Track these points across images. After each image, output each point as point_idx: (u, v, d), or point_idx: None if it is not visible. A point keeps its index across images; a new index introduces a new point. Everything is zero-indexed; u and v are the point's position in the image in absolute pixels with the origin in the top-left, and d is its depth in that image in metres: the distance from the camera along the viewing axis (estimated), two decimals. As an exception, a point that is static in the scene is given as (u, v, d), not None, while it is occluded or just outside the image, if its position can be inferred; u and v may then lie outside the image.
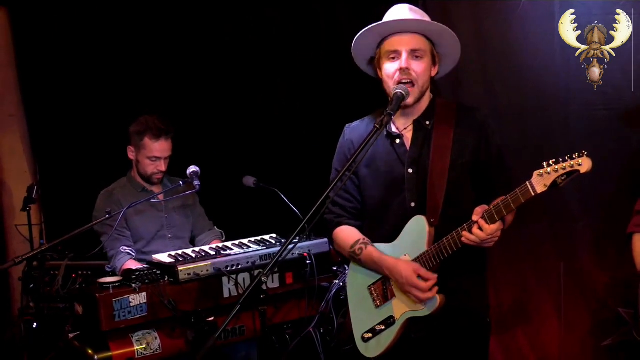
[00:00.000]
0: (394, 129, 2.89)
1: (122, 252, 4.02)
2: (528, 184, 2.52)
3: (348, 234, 3.00)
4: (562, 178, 2.47)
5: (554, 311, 4.27)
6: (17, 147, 5.59)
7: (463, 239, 2.67)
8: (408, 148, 2.89)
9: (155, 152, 4.12)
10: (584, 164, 2.44)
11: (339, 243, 3.03)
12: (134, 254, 4.04)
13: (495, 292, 4.24)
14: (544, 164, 2.49)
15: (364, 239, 2.96)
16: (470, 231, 2.65)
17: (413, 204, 2.84)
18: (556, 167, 2.47)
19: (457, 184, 2.82)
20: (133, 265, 3.90)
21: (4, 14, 5.47)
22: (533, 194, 2.51)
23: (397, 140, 2.90)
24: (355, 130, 3.04)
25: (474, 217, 2.65)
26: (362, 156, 2.71)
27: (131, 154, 4.19)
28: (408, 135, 2.90)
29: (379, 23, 2.83)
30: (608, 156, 3.94)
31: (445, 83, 4.22)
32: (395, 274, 2.81)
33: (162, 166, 4.16)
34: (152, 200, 4.16)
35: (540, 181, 2.50)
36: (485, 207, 2.65)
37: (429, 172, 2.81)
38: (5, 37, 5.48)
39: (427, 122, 2.89)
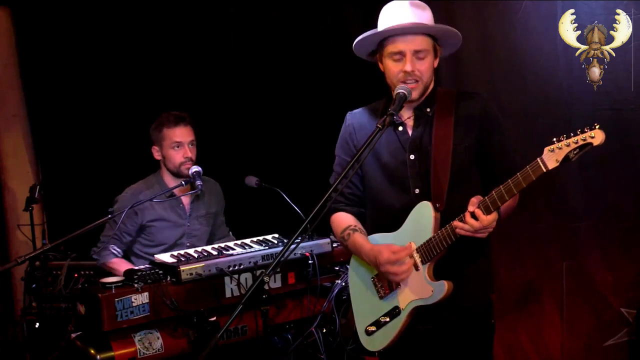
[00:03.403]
0: (395, 118, 2.89)
1: (109, 249, 4.03)
2: (539, 160, 2.48)
3: (342, 220, 3.01)
4: (575, 152, 2.43)
5: (556, 311, 4.28)
6: (19, 147, 5.61)
7: (457, 229, 2.67)
8: (410, 135, 2.90)
9: (175, 137, 4.06)
10: (597, 136, 2.41)
11: (334, 228, 3.06)
12: (119, 255, 4.05)
13: (498, 292, 4.24)
14: (555, 139, 2.45)
15: (354, 225, 2.96)
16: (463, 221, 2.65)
17: (417, 190, 2.84)
18: (568, 141, 2.43)
19: (461, 168, 2.81)
20: (120, 263, 3.97)
21: (6, 14, 5.49)
22: (544, 170, 2.47)
23: (400, 128, 2.91)
24: (357, 116, 3.05)
25: (470, 208, 2.65)
26: (364, 155, 2.71)
27: (157, 154, 4.13)
28: (410, 122, 2.91)
29: (383, 29, 2.82)
30: (611, 156, 3.95)
31: (448, 83, 4.23)
32: (371, 257, 2.83)
33: (188, 152, 4.10)
34: (177, 207, 4.16)
35: (551, 157, 2.46)
36: (480, 197, 2.65)
37: (431, 158, 2.82)
38: (8, 37, 5.49)
39: (428, 110, 2.90)
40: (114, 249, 4.04)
